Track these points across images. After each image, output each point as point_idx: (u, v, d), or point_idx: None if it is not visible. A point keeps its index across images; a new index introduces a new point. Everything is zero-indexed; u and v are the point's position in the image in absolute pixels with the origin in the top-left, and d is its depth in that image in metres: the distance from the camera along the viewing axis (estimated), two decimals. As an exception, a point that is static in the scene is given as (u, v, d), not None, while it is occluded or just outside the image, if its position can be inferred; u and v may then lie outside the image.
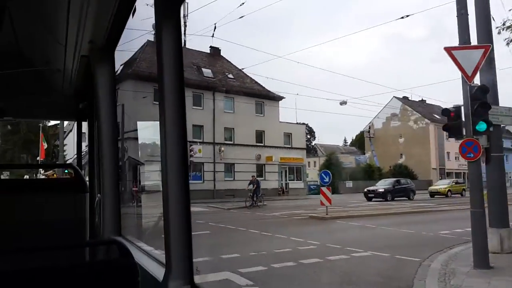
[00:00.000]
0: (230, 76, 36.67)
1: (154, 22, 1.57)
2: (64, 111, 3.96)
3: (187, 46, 36.23)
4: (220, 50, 39.13)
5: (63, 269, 1.45)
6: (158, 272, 1.64)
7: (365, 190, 30.10)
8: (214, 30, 29.64)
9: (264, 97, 36.95)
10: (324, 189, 16.47)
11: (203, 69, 35.62)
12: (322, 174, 17.28)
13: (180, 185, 1.52)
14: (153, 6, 1.55)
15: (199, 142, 30.93)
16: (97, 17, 2.20)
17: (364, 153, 58.56)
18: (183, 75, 1.55)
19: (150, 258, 1.88)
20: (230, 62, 38.90)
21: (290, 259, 8.57)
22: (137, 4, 2.13)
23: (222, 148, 33.46)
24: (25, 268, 1.36)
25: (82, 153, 4.10)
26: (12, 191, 2.39)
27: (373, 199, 28.30)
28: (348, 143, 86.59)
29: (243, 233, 12.83)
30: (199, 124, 32.19)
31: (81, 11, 2.13)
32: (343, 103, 34.92)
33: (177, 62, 1.51)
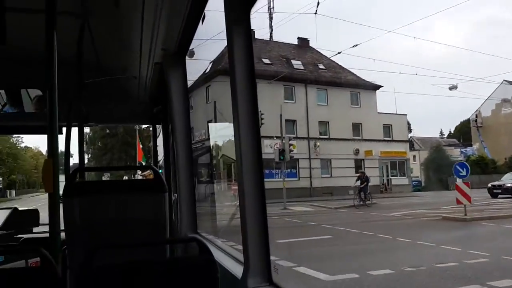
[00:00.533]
0: (321, 66, 34.71)
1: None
2: (140, 115, 4.21)
3: (273, 39, 35.29)
4: (308, 40, 37.32)
5: (151, 264, 1.57)
6: (236, 269, 1.79)
7: (489, 185, 26.27)
8: (318, 6, 27.28)
9: (359, 87, 34.23)
10: (460, 183, 13.72)
11: (292, 61, 34.00)
12: (457, 167, 14.55)
13: (256, 184, 1.65)
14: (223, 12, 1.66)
15: (293, 138, 29.23)
16: (169, 26, 2.45)
17: (470, 145, 52.71)
18: (254, 77, 1.67)
19: (227, 256, 2.10)
20: (320, 52, 36.81)
21: (471, 279, 6.32)
22: (206, 10, 2.30)
23: (318, 143, 31.42)
24: (118, 263, 1.51)
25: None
26: (104, 191, 2.51)
27: (499, 195, 24.38)
28: (445, 135, 79.45)
29: (373, 239, 10.74)
30: (291, 118, 30.50)
31: (154, 21, 2.38)
32: (453, 87, 30.98)
33: (248, 65, 1.66)
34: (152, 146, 4.27)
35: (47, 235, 3.29)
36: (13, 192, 44.00)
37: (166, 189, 2.53)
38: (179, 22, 2.40)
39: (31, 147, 46.83)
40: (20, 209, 3.91)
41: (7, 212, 3.75)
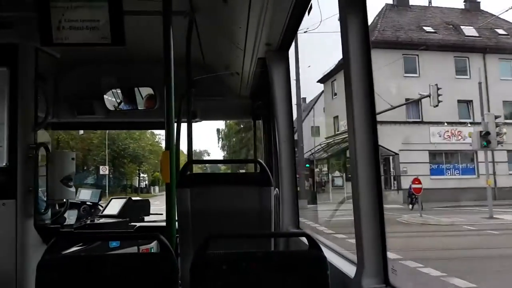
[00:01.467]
0: (501, 31, 31.20)
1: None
2: (241, 111, 4.82)
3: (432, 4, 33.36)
4: (479, 2, 34.51)
5: (263, 255, 1.80)
6: (347, 268, 2.01)
7: None
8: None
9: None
10: None
11: (462, 27, 31.25)
12: None
13: (371, 178, 1.76)
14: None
15: (469, 123, 26.68)
16: (274, 20, 2.75)
17: None
18: (371, 69, 1.77)
19: (336, 254, 2.39)
20: (494, 15, 33.31)
21: None
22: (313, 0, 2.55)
23: (504, 130, 28.04)
24: (230, 251, 1.78)
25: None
26: (213, 183, 2.89)
27: None
28: None
29: None
30: (465, 98, 27.94)
31: (259, 16, 2.64)
32: None
33: (364, 56, 1.77)
34: (253, 141, 4.97)
35: (157, 224, 4.17)
36: (157, 188, 49.65)
37: (272, 183, 2.84)
38: (284, 15, 2.71)
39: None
40: (133, 199, 4.73)
41: (123, 201, 4.54)
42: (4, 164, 3.30)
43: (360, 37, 1.78)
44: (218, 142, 55.19)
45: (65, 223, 3.82)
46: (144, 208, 4.54)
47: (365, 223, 1.75)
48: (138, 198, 4.99)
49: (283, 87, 3.35)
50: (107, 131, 32.95)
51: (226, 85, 4.52)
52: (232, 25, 3.08)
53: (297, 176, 3.80)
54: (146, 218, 4.56)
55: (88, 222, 4.28)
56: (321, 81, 35.36)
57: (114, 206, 4.49)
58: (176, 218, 2.74)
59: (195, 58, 3.76)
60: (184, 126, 4.06)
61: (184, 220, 2.75)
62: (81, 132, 31.43)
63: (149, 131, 39.69)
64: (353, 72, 1.77)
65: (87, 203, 4.66)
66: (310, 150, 30.23)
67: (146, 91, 4.34)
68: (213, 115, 5.07)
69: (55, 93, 4.30)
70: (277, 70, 3.33)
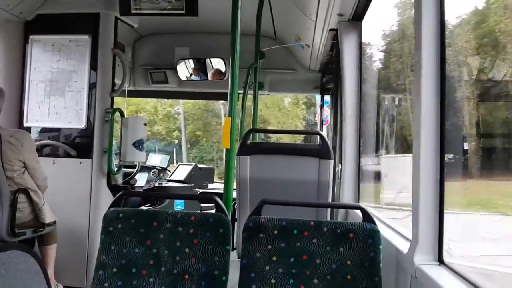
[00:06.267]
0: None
1: None
2: (310, 84, 4.78)
3: None
4: None
5: (316, 224, 1.81)
6: (401, 243, 1.94)
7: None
8: None
9: None
10: None
11: None
12: None
13: (432, 156, 1.67)
14: None
15: None
16: None
17: None
18: (444, 43, 1.64)
19: (391, 230, 2.30)
20: None
21: None
22: None
23: None
24: (284, 218, 1.83)
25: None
26: (273, 152, 2.95)
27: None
28: None
29: None
30: None
31: None
32: None
33: (437, 30, 1.63)
34: (320, 115, 4.95)
35: (220, 191, 4.22)
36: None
37: (332, 156, 2.86)
38: None
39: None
40: (199, 166, 4.83)
41: (189, 168, 4.69)
42: (83, 126, 3.55)
43: (435, 13, 1.64)
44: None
45: (136, 185, 4.03)
46: (208, 175, 4.70)
47: (423, 200, 1.68)
48: (203, 165, 5.19)
49: (354, 60, 3.25)
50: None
51: (296, 58, 4.52)
52: None
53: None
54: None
55: (156, 184, 4.52)
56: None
57: (181, 172, 4.69)
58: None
59: (266, 30, 3.77)
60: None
61: (243, 186, 2.85)
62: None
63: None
64: (424, 45, 1.63)
65: (157, 167, 4.90)
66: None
67: (217, 62, 4.47)
68: (281, 88, 5.11)
69: (132, 62, 4.52)
70: (349, 42, 3.22)
